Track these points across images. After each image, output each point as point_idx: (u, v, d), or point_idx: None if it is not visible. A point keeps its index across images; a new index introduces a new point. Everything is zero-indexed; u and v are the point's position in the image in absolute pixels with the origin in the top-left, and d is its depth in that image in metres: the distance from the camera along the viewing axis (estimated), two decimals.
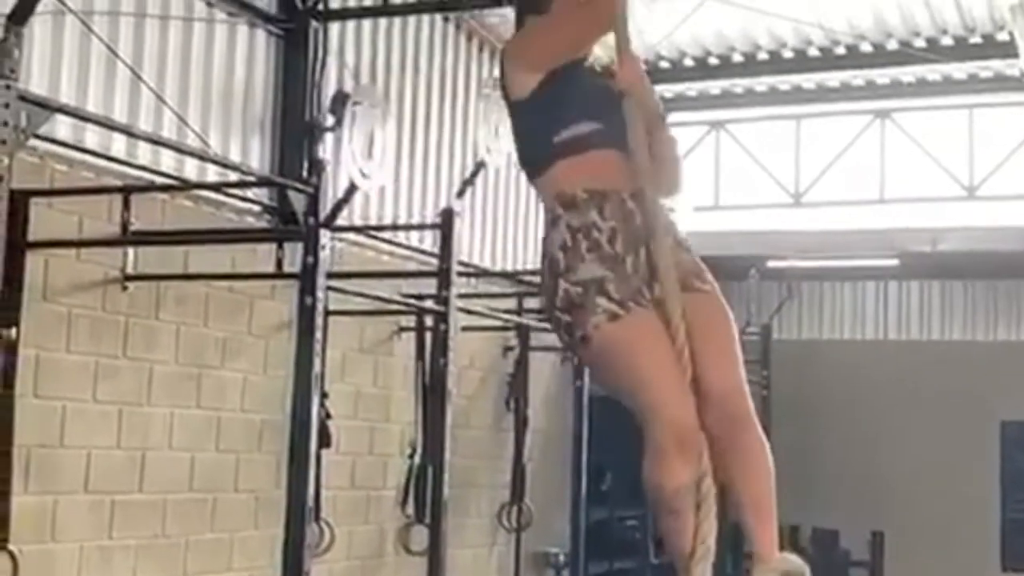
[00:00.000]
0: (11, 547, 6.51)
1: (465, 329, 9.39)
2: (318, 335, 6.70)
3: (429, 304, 8.69)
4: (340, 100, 8.78)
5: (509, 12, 11.81)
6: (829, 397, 14.91)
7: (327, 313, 6.96)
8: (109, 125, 7.24)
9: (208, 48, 8.84)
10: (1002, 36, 12.04)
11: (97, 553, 7.64)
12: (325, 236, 6.68)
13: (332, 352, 7.99)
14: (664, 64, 13.39)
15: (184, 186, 8.29)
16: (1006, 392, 14.32)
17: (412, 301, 9.08)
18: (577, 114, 3.53)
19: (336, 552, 9.01)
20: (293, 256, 7.94)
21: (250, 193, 8.95)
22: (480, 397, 11.86)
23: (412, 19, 11.11)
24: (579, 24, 3.55)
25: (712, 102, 14.44)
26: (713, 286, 3.51)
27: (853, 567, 14.46)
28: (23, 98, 4.54)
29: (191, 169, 8.39)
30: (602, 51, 3.67)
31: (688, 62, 13.41)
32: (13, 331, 6.42)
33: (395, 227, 10.52)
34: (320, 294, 6.68)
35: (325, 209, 6.78)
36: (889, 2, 11.62)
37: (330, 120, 9.26)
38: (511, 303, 11.41)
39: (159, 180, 8.10)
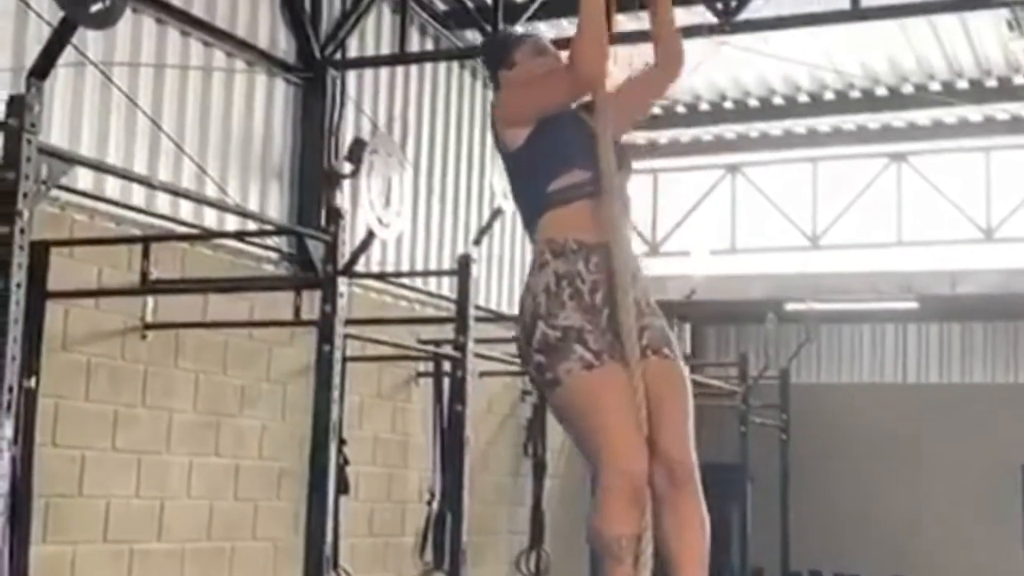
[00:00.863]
0: None
1: (483, 374, 9.39)
2: (336, 382, 6.72)
3: (447, 350, 8.69)
4: (358, 148, 8.83)
5: None
6: (848, 441, 14.83)
7: (345, 359, 6.98)
8: (129, 176, 7.29)
9: (227, 97, 8.91)
10: (1018, 79, 12.05)
11: None
12: (343, 284, 6.71)
13: (350, 398, 8.00)
14: (680, 109, 13.44)
15: (203, 235, 8.33)
16: None
17: (430, 347, 9.09)
18: (568, 163, 3.62)
19: None
20: (311, 302, 7.96)
21: (269, 241, 8.99)
22: (498, 442, 11.84)
23: (428, 67, 11.19)
24: (552, 88, 3.69)
25: (728, 146, 14.46)
26: (677, 356, 3.61)
27: None
28: (44, 151, 4.57)
29: (210, 217, 8.45)
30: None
31: (704, 106, 13.45)
32: (33, 381, 6.44)
33: (412, 273, 10.56)
34: (338, 341, 6.70)
35: (343, 257, 6.81)
36: (904, 47, 11.64)
37: (348, 168, 9.32)
38: None
39: (178, 228, 8.15)
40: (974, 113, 13.07)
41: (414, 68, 10.93)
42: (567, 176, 3.61)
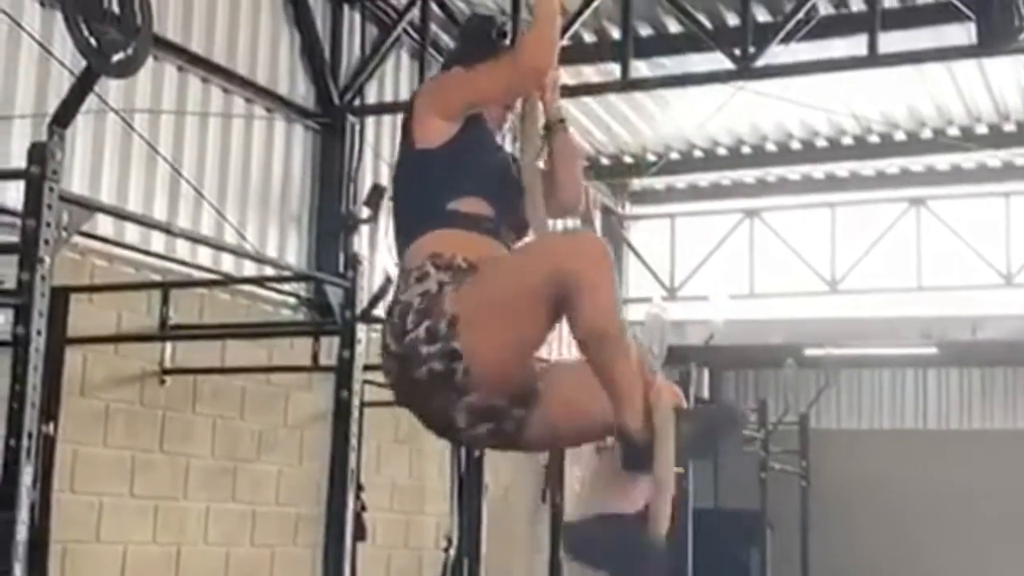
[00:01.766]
0: None
1: None
2: (354, 428, 6.70)
3: None
4: (376, 194, 8.89)
5: None
6: (869, 487, 14.73)
7: (363, 404, 6.96)
8: (148, 223, 7.33)
9: (246, 143, 8.96)
10: None
11: None
12: (361, 330, 6.70)
13: (367, 443, 7.98)
14: (698, 153, 13.46)
15: (222, 281, 8.36)
16: None
17: None
18: (478, 189, 3.35)
19: None
20: (329, 348, 7.96)
21: (287, 286, 9.01)
22: (516, 489, 11.78)
23: None
24: (492, 77, 3.46)
25: (746, 190, 14.47)
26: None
27: None
28: (65, 198, 4.59)
29: (228, 262, 8.47)
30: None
31: (722, 151, 13.46)
32: (51, 426, 6.45)
33: None
34: (356, 387, 6.68)
35: (361, 302, 6.81)
36: (922, 93, 11.65)
37: (365, 213, 9.35)
38: None
39: (197, 274, 8.17)
40: (993, 158, 13.06)
41: None
42: (472, 202, 3.33)
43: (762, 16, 10.15)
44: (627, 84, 9.50)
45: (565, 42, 8.25)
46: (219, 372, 8.20)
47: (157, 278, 7.90)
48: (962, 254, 13.69)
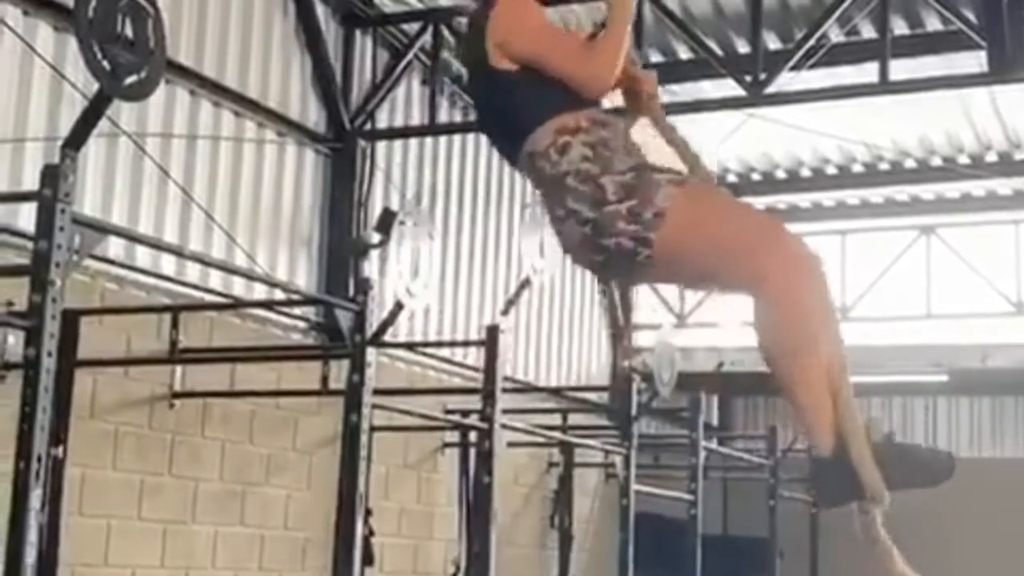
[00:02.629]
0: None
1: (510, 445, 9.34)
2: (363, 452, 6.68)
3: (474, 420, 8.66)
4: (387, 218, 8.88)
5: None
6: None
7: (372, 429, 6.95)
8: (159, 246, 7.34)
9: (257, 167, 8.98)
10: None
11: None
12: (371, 354, 6.69)
13: (376, 468, 7.97)
14: None
15: (232, 305, 8.36)
16: None
17: (456, 418, 9.05)
18: (570, 103, 3.43)
19: None
20: (339, 371, 7.96)
21: (297, 310, 9.02)
22: (524, 514, 11.75)
23: (457, 137, 11.25)
24: (565, 64, 3.45)
25: None
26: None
27: None
28: (77, 221, 4.60)
29: (239, 285, 8.48)
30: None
31: (731, 178, 13.47)
32: (60, 449, 6.44)
33: (440, 343, 10.55)
34: (365, 412, 6.67)
35: (371, 327, 6.80)
36: (933, 121, 11.65)
37: (376, 237, 9.35)
38: (555, 418, 11.36)
39: (208, 297, 8.18)
40: (1003, 186, 13.05)
41: (443, 138, 11.00)
42: (569, 115, 3.41)
43: (773, 43, 10.19)
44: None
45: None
46: (228, 396, 8.19)
47: (167, 301, 7.91)
48: (972, 282, 13.67)
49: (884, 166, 12.83)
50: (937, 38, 9.92)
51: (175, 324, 7.73)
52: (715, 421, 15.44)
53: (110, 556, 7.38)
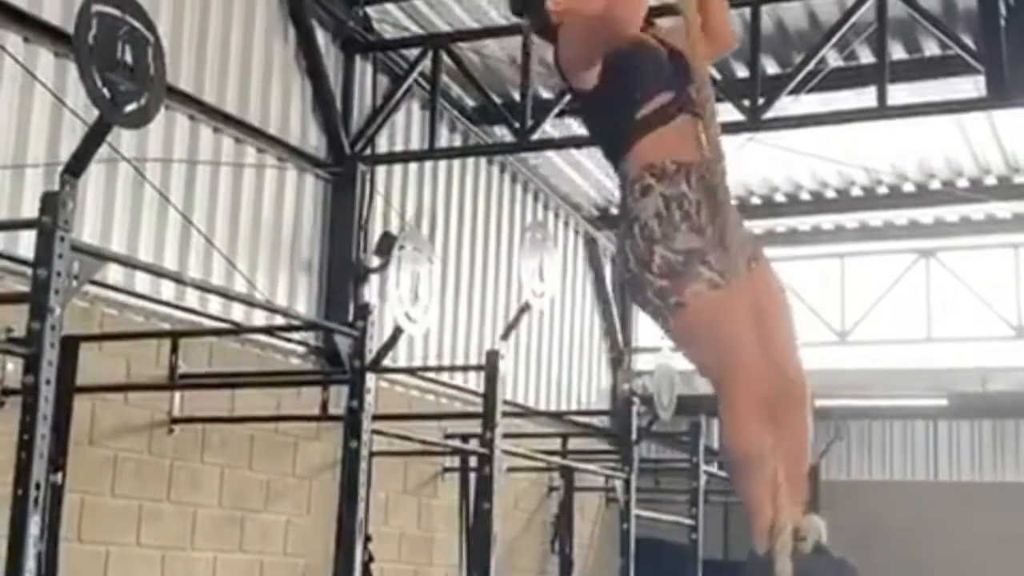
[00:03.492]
0: None
1: (510, 470, 9.32)
2: (362, 478, 6.67)
3: (474, 445, 8.64)
4: (387, 242, 8.89)
5: (551, 154, 12.00)
6: (880, 540, 14.60)
7: (372, 454, 6.94)
8: (159, 273, 7.34)
9: (257, 192, 8.99)
10: None
11: None
12: (371, 380, 6.69)
13: (376, 493, 7.95)
14: None
15: (232, 330, 8.36)
16: None
17: (457, 444, 9.04)
18: (651, 88, 3.62)
19: None
20: (338, 396, 7.95)
21: (296, 335, 9.01)
22: (525, 539, 11.72)
23: (457, 162, 11.27)
24: (594, 34, 3.59)
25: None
26: (766, 258, 3.65)
27: None
28: (76, 248, 4.60)
29: (238, 310, 8.47)
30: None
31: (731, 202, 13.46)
32: (59, 476, 6.43)
33: (440, 368, 10.54)
34: (365, 437, 6.66)
35: (371, 352, 6.80)
36: (932, 145, 11.66)
37: (376, 261, 9.37)
38: (555, 442, 11.34)
39: (207, 323, 8.18)
40: (1002, 209, 13.05)
41: (443, 163, 11.02)
42: (651, 101, 3.61)
43: (772, 68, 10.21)
44: None
45: None
46: (228, 421, 8.18)
47: (167, 326, 7.90)
48: (972, 306, 13.67)
49: (883, 190, 12.83)
50: (935, 63, 9.94)
51: (174, 349, 7.72)
52: (716, 444, 15.40)
53: None
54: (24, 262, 5.98)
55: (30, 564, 4.46)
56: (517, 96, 9.94)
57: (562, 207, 13.23)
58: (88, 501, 7.20)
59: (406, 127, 10.57)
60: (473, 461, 9.11)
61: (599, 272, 13.97)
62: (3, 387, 6.37)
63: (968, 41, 8.90)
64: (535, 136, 9.71)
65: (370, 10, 9.89)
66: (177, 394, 7.84)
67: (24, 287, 5.44)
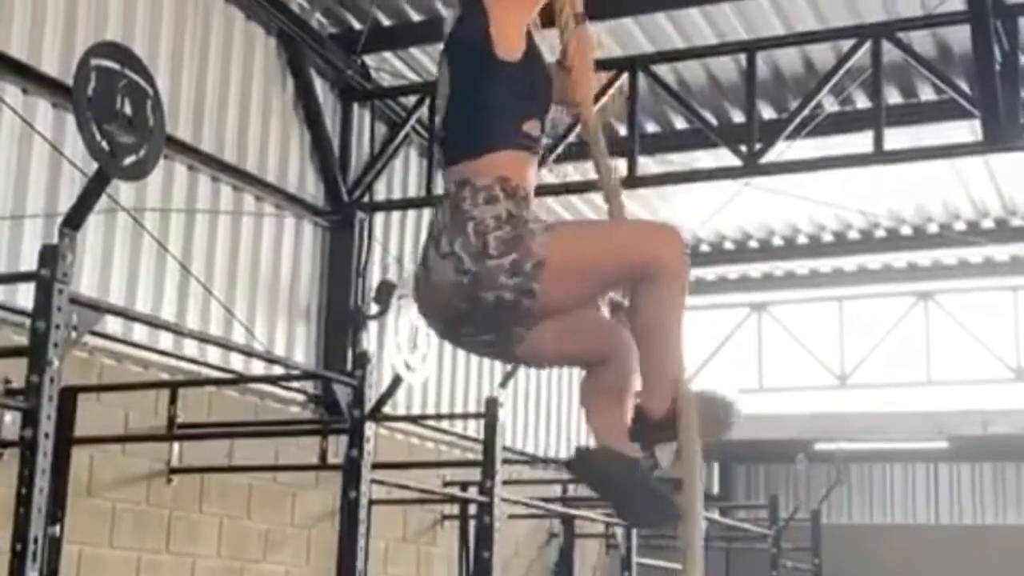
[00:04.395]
0: None
1: (510, 517, 9.27)
2: (362, 528, 6.63)
3: (473, 493, 8.60)
4: (385, 290, 8.89)
5: (549, 200, 12.01)
6: None
7: (371, 503, 6.90)
8: (157, 324, 7.33)
9: (256, 239, 8.99)
10: None
11: None
12: (370, 428, 6.67)
13: (375, 542, 7.90)
14: (704, 247, 13.48)
15: (230, 380, 8.33)
16: None
17: (456, 492, 9.00)
18: (538, 107, 3.44)
19: None
20: (337, 444, 7.92)
21: (295, 383, 8.98)
22: None
23: None
24: None
25: (753, 284, 14.47)
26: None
27: None
28: (75, 301, 4.59)
29: (237, 358, 8.45)
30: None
31: (728, 245, 13.49)
32: (57, 528, 6.39)
33: (439, 416, 10.51)
34: (364, 487, 6.63)
35: (369, 400, 6.78)
36: (928, 188, 11.68)
37: (374, 308, 9.36)
38: (555, 488, 11.29)
39: (206, 371, 8.16)
40: (1000, 252, 13.07)
41: None
42: (533, 123, 3.40)
43: (768, 113, 10.24)
44: (634, 180, 9.52)
45: (572, 139, 8.31)
46: (226, 471, 8.14)
47: (165, 376, 7.88)
48: (971, 348, 13.65)
49: (880, 233, 12.85)
50: (931, 107, 9.97)
51: (173, 399, 7.70)
52: (716, 489, 15.35)
53: None
54: (23, 313, 5.97)
55: None
56: None
57: None
58: (87, 552, 7.15)
59: (404, 174, 10.60)
60: (473, 508, 9.06)
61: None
62: (1, 439, 6.34)
63: (963, 85, 8.94)
64: None
65: (368, 58, 9.93)
66: (176, 444, 7.80)
67: (22, 337, 5.43)
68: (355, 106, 9.97)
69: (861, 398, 14.09)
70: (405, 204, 10.55)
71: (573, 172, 10.49)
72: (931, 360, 13.94)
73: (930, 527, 15.23)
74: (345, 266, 9.71)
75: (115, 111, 4.55)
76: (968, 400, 13.49)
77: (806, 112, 8.98)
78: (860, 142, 9.12)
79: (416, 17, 9.63)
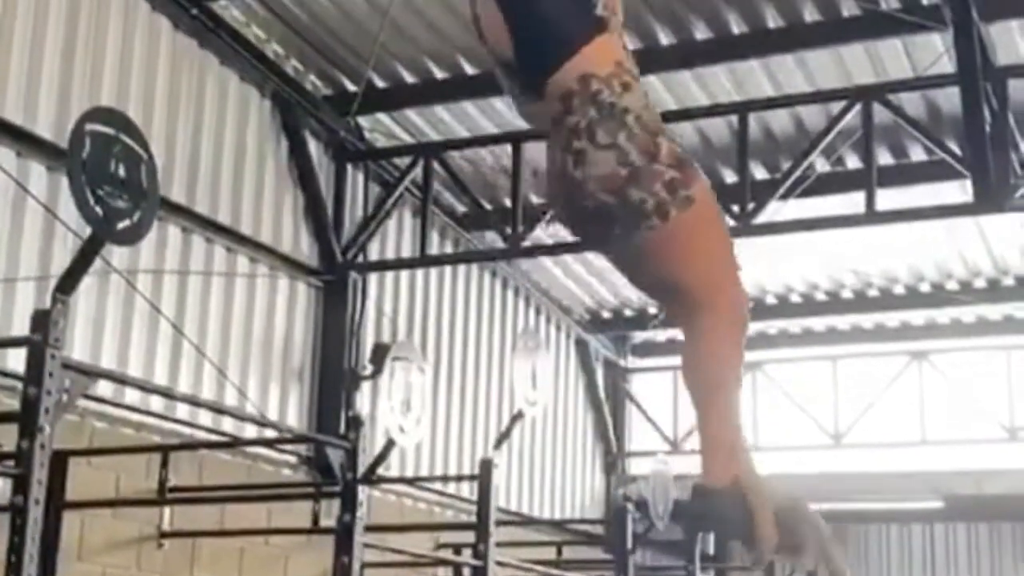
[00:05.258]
0: None
1: None
2: None
3: (467, 556, 8.53)
4: (379, 353, 8.86)
5: (544, 259, 12.03)
6: None
7: (363, 566, 6.84)
8: (149, 388, 7.30)
9: (249, 300, 8.98)
10: None
11: None
12: (363, 492, 6.63)
13: None
14: None
15: (222, 443, 8.28)
16: None
17: (450, 555, 8.93)
18: None
19: None
20: (330, 507, 7.85)
21: (288, 446, 8.93)
22: None
23: (448, 269, 11.29)
24: None
25: (747, 343, 14.39)
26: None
27: None
28: (67, 366, 4.58)
29: (229, 420, 8.41)
30: None
31: None
32: None
33: (432, 478, 10.45)
34: (357, 552, 6.58)
35: (363, 464, 6.74)
36: (921, 249, 11.71)
37: (368, 369, 9.32)
38: (550, 550, 11.19)
39: (198, 434, 8.11)
40: (993, 312, 13.08)
41: (434, 270, 11.04)
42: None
43: (760, 173, 10.28)
44: None
45: None
46: (218, 535, 8.07)
47: (157, 439, 7.84)
48: (965, 408, 13.62)
49: (873, 292, 12.87)
50: (922, 168, 10.02)
51: (164, 463, 7.65)
52: (712, 550, 15.23)
53: None
54: (14, 376, 5.93)
55: None
56: (508, 202, 9.99)
57: (553, 311, 13.23)
58: None
59: (397, 234, 10.61)
60: (467, 572, 8.97)
61: (591, 376, 13.93)
62: None
63: (954, 146, 8.98)
64: (526, 242, 9.74)
65: (362, 120, 9.98)
66: (167, 508, 7.74)
67: (13, 400, 5.40)
68: (349, 167, 10.00)
69: (856, 458, 14.02)
70: (399, 264, 10.56)
71: None
72: (925, 419, 13.89)
73: None
74: (339, 327, 9.69)
75: (109, 175, 4.57)
76: (962, 460, 13.43)
77: (798, 173, 9.03)
78: (852, 202, 9.16)
79: (410, 79, 9.70)
